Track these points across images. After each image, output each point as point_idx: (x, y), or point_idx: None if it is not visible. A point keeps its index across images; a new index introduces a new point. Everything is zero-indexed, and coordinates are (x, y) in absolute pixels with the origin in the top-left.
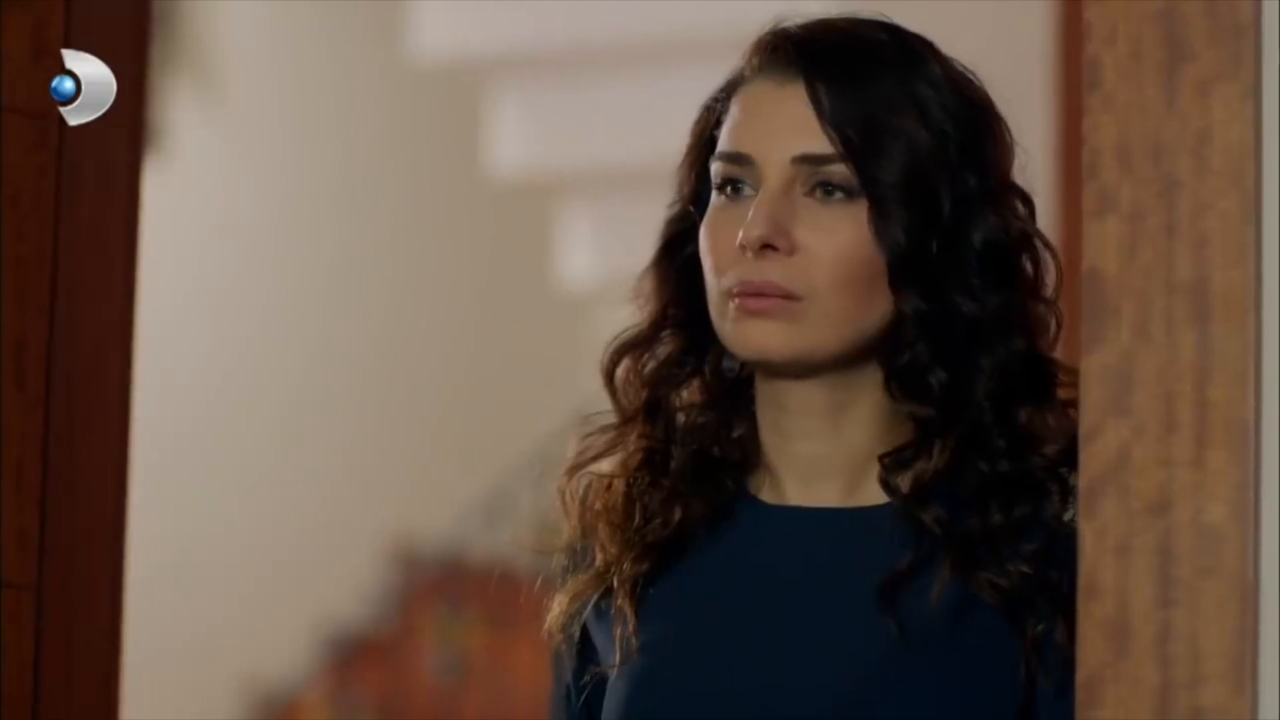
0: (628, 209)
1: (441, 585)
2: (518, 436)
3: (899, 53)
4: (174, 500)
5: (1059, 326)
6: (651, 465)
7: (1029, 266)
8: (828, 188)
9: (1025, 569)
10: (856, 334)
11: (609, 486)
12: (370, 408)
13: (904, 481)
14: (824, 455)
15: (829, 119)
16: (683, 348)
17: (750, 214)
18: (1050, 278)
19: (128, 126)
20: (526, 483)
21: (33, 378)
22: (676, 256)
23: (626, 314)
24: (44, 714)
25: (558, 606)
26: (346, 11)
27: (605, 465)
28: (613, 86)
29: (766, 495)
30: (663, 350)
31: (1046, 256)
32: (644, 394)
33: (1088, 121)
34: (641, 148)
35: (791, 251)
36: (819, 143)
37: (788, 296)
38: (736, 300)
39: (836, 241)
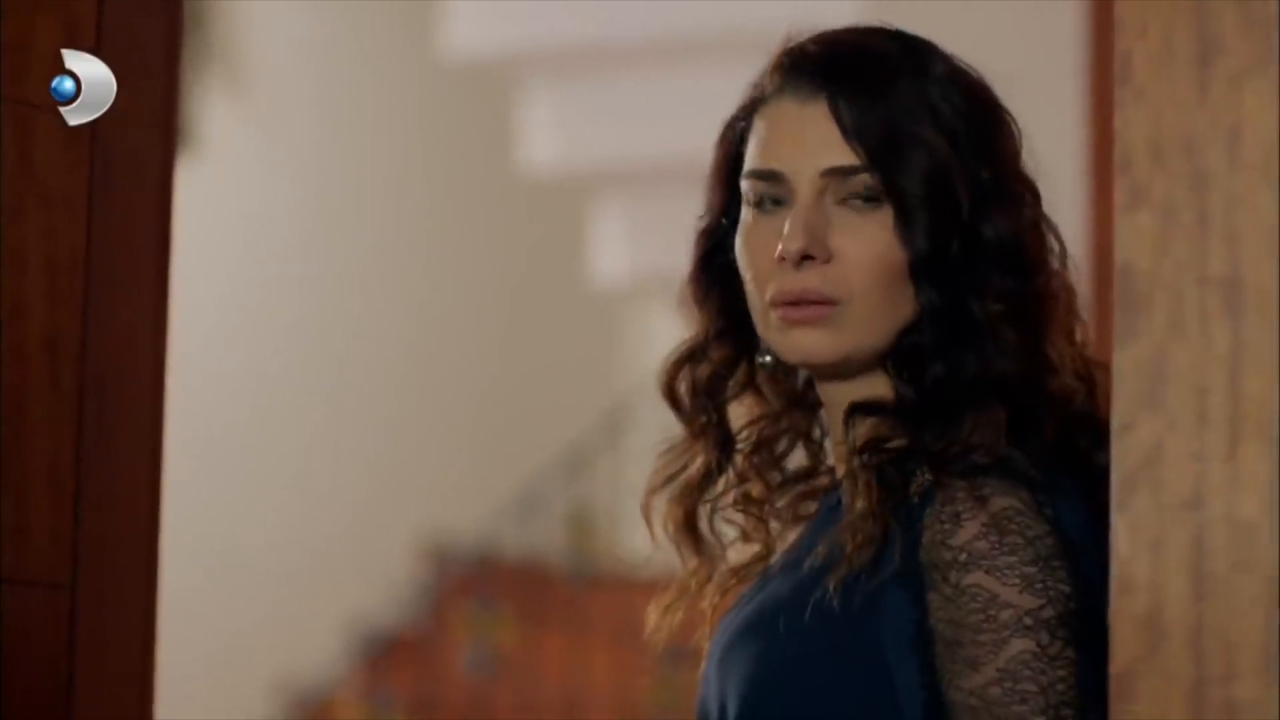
0: (661, 206)
1: (474, 583)
2: (550, 434)
3: (907, 59)
4: (207, 499)
5: (1071, 297)
6: (711, 478)
7: (1038, 252)
8: (858, 196)
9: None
10: (892, 330)
11: (674, 510)
12: (403, 405)
13: (861, 433)
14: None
15: (851, 133)
16: (732, 355)
17: (787, 227)
18: (1055, 262)
19: (160, 125)
20: (558, 480)
21: (66, 376)
22: (714, 267)
23: (659, 312)
24: (78, 713)
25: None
26: (379, 9)
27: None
28: (645, 83)
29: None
30: (714, 359)
31: (1054, 242)
32: (701, 405)
33: (1119, 116)
34: (674, 144)
35: (828, 259)
36: (844, 155)
37: (826, 302)
38: (779, 310)
39: (869, 246)
